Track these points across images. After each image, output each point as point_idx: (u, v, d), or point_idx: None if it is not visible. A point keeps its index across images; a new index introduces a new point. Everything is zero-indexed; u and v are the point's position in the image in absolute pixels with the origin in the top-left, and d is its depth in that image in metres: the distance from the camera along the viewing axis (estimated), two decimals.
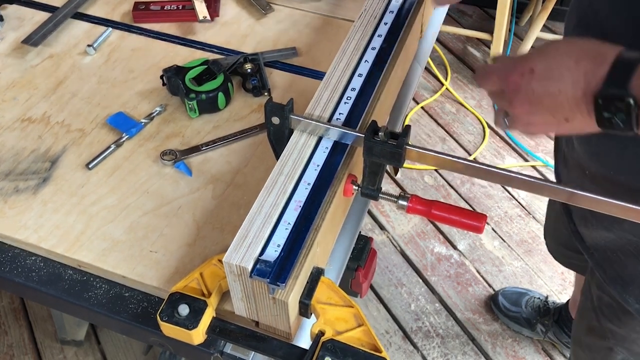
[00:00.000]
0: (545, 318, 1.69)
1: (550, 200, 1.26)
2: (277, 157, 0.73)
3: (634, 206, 0.60)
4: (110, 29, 1.11)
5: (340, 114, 0.77)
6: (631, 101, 0.54)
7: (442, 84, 2.47)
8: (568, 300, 1.66)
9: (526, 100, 0.61)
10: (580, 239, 0.96)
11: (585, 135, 0.61)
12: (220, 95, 0.95)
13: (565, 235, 1.11)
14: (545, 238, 1.41)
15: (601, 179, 0.83)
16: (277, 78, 1.03)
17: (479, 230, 0.72)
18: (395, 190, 1.93)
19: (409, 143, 0.69)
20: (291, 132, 0.76)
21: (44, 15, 1.13)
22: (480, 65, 0.75)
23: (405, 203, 0.73)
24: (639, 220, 0.61)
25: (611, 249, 0.89)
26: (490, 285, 1.89)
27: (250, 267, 0.62)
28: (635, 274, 0.87)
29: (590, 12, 0.75)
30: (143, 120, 0.95)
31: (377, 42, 0.87)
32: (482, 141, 2.27)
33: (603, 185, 0.83)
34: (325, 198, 0.69)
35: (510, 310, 1.77)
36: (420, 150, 0.70)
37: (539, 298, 1.74)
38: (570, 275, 1.91)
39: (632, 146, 0.74)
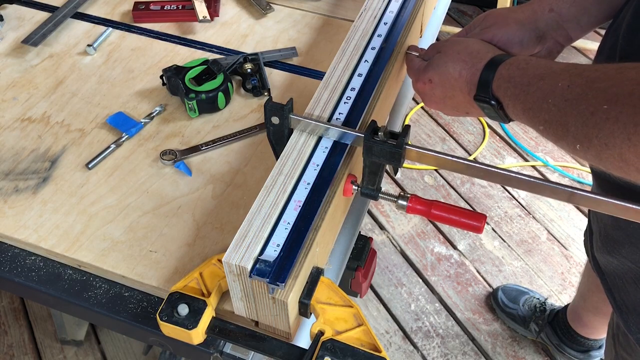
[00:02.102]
0: (540, 318, 1.69)
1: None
2: (277, 157, 0.73)
3: (633, 206, 0.60)
4: (110, 28, 1.11)
5: (340, 113, 0.77)
6: (493, 102, 0.67)
7: None
8: (567, 305, 1.66)
9: (433, 101, 0.77)
10: (597, 263, 0.96)
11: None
12: (220, 95, 0.95)
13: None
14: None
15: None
16: (276, 78, 1.03)
17: (478, 230, 0.72)
18: (395, 190, 1.93)
19: (409, 143, 0.69)
20: (291, 131, 0.76)
21: (44, 15, 1.13)
22: (406, 59, 0.85)
23: (405, 203, 0.73)
24: (639, 220, 0.61)
25: (618, 275, 0.89)
26: (490, 285, 1.89)
27: (249, 267, 0.62)
28: (637, 302, 0.87)
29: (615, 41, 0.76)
30: (143, 120, 0.95)
31: (377, 42, 0.87)
32: (482, 141, 2.27)
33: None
34: (324, 198, 0.69)
35: (507, 307, 1.77)
36: (420, 150, 0.70)
37: (537, 299, 1.74)
38: (570, 275, 1.91)
39: None
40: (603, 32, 0.79)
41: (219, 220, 0.83)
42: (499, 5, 2.26)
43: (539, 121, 0.60)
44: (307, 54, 1.07)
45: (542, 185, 0.65)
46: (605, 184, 0.83)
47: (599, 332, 1.60)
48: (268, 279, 0.61)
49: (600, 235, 0.92)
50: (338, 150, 0.74)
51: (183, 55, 1.06)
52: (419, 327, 1.80)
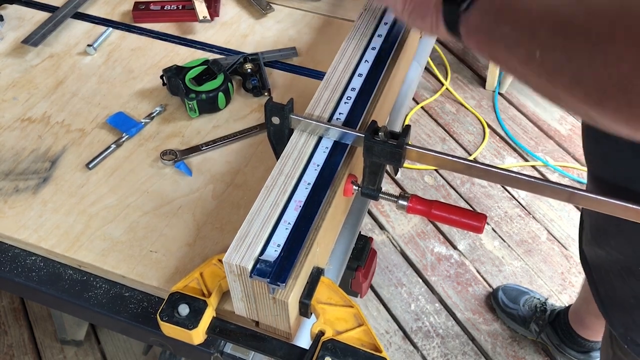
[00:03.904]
0: (540, 319, 1.69)
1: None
2: (277, 157, 0.73)
3: (633, 206, 0.60)
4: (110, 28, 1.11)
5: (340, 113, 0.77)
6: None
7: (442, 84, 2.47)
8: (568, 307, 1.66)
9: None
10: (584, 257, 0.96)
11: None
12: (220, 95, 0.95)
13: None
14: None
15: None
16: (277, 78, 1.03)
17: (479, 230, 0.72)
18: (395, 190, 1.93)
19: (409, 143, 0.69)
20: (291, 132, 0.76)
21: (44, 15, 1.13)
22: None
23: (405, 203, 0.73)
24: (639, 220, 0.61)
25: (605, 268, 0.88)
26: (490, 285, 1.89)
27: (250, 267, 0.62)
28: (622, 297, 0.86)
29: None
30: (143, 120, 0.95)
31: (377, 42, 0.87)
32: (482, 141, 2.27)
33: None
34: (325, 198, 0.69)
35: (508, 307, 1.77)
36: (420, 150, 0.70)
37: (538, 299, 1.74)
38: (570, 275, 1.91)
39: None
40: None
41: (219, 220, 0.83)
42: None
43: (512, 19, 0.55)
44: (307, 54, 1.07)
45: (542, 186, 0.65)
46: (603, 185, 0.83)
47: (601, 335, 1.59)
48: (269, 279, 0.61)
49: (591, 227, 0.91)
50: (338, 150, 0.74)
51: (183, 55, 1.06)
52: (419, 327, 1.80)
